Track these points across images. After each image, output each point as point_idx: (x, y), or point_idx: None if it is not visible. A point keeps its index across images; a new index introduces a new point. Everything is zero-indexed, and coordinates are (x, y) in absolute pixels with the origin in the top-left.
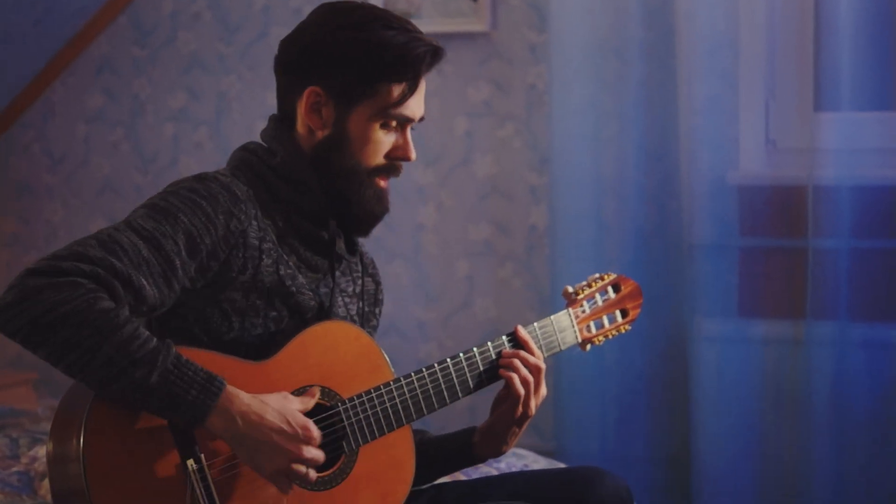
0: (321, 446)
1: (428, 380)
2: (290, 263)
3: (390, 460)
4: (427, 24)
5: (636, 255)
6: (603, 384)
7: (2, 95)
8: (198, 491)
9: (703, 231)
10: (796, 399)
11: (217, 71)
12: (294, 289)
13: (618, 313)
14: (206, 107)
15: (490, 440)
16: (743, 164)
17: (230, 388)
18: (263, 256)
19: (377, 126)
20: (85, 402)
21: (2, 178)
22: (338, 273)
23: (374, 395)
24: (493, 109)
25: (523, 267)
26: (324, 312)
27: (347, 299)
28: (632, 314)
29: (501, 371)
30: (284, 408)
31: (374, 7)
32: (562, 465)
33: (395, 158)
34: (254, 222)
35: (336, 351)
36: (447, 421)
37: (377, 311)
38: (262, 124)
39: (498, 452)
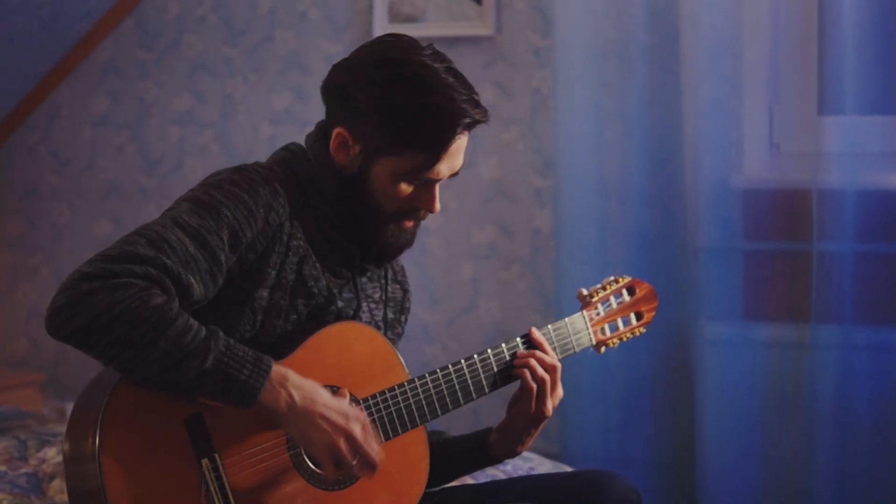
0: None
1: (442, 381)
2: (317, 265)
3: (405, 460)
4: (432, 28)
5: (640, 259)
6: (607, 387)
7: (8, 98)
8: (212, 489)
9: (707, 234)
10: (800, 402)
11: (222, 74)
12: (315, 290)
13: (632, 316)
14: (212, 110)
15: (506, 439)
16: (747, 168)
17: (279, 367)
18: (290, 253)
19: (401, 181)
20: (100, 402)
21: (8, 180)
22: (364, 279)
23: (388, 395)
24: (498, 113)
25: (528, 270)
26: (342, 318)
27: (373, 305)
28: (646, 317)
29: (517, 370)
30: (333, 395)
31: (426, 66)
32: (568, 468)
33: (418, 209)
34: (289, 219)
35: (351, 351)
36: (451, 422)
37: (403, 318)
38: (268, 128)
39: (513, 453)
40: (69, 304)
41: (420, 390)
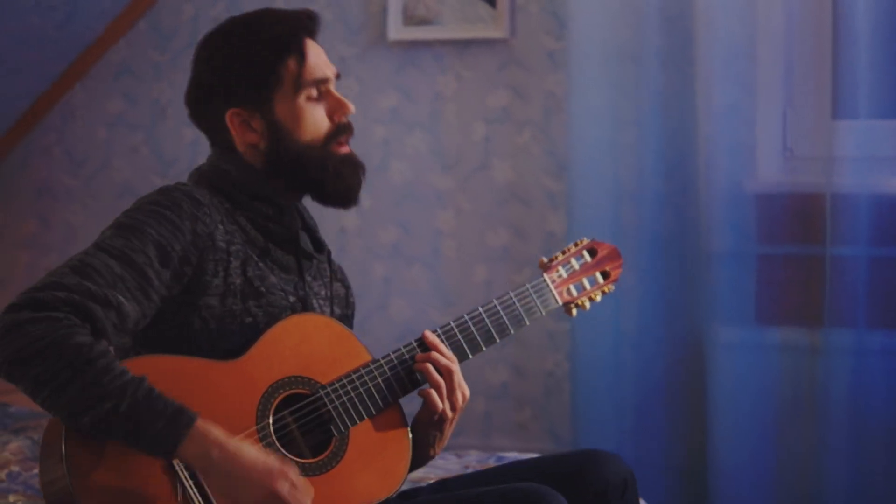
0: (312, 435)
1: (407, 355)
2: (260, 265)
3: (385, 439)
4: (446, 31)
5: (654, 262)
6: (620, 390)
7: (23, 98)
8: (189, 488)
9: (720, 238)
10: (813, 406)
11: None
12: (264, 289)
13: (598, 275)
14: None
15: (415, 446)
16: (760, 172)
17: (202, 422)
18: (231, 258)
19: (301, 104)
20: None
21: (23, 181)
22: (308, 277)
23: (353, 376)
24: (512, 116)
25: (541, 272)
26: (295, 311)
27: (322, 302)
28: (613, 274)
29: (417, 375)
30: (261, 449)
31: (227, 20)
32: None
33: (338, 120)
34: (220, 226)
35: (310, 341)
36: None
37: (349, 313)
38: None
39: (426, 456)
40: None
41: (386, 368)
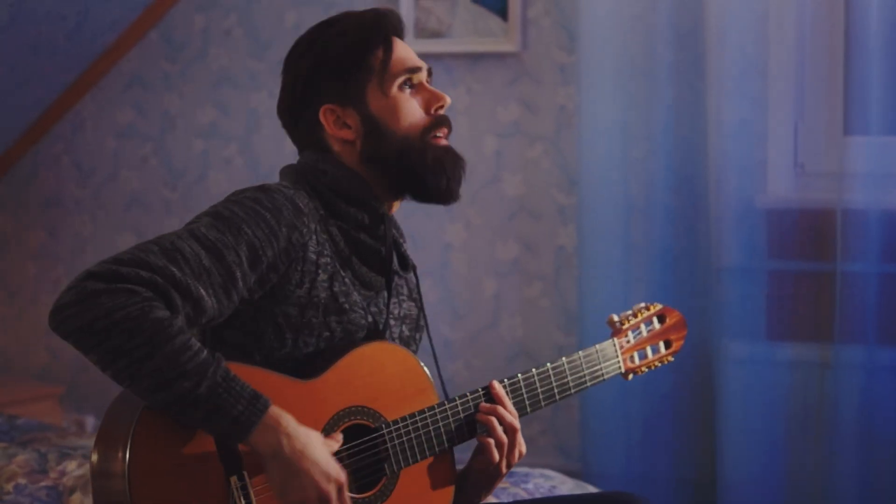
0: (364, 467)
1: (472, 404)
2: (346, 280)
3: (431, 484)
4: (457, 44)
5: (664, 277)
6: (629, 405)
7: (32, 108)
8: None
9: (731, 253)
10: (823, 422)
11: (247, 87)
12: (347, 306)
13: (661, 344)
14: (236, 123)
15: (464, 492)
16: (771, 188)
17: (275, 408)
18: (320, 272)
19: (395, 94)
20: (132, 416)
21: (31, 191)
22: (386, 294)
23: (417, 418)
24: (523, 129)
25: (551, 287)
26: (376, 332)
27: (394, 321)
28: (675, 346)
29: (479, 431)
30: (326, 448)
31: (313, 26)
32: (590, 487)
33: (434, 111)
34: (314, 236)
35: (383, 372)
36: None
37: (418, 336)
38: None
39: (476, 499)
40: (72, 302)
41: (449, 413)
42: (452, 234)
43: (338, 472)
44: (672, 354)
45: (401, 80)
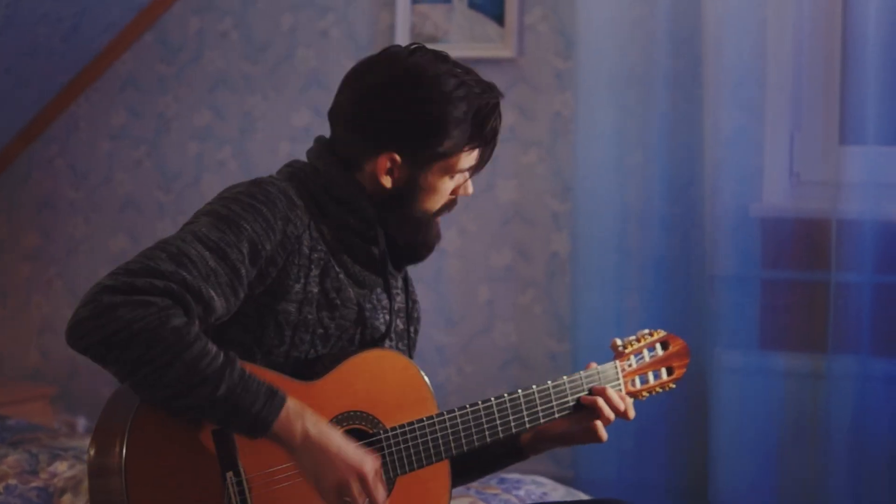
0: None
1: (470, 416)
2: (340, 276)
3: (425, 493)
4: (454, 49)
5: (657, 285)
6: None
7: (27, 110)
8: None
9: (725, 262)
10: (816, 432)
11: (242, 90)
12: (338, 301)
13: (663, 370)
14: (231, 126)
15: (541, 440)
16: (766, 197)
17: (292, 401)
18: (312, 266)
19: (445, 182)
20: (127, 414)
21: (25, 193)
22: (379, 290)
23: (416, 426)
24: (518, 135)
25: (544, 293)
26: (366, 327)
27: (388, 316)
28: (677, 373)
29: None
30: (347, 440)
31: (436, 67)
32: (581, 495)
33: (455, 195)
34: (307, 230)
35: (384, 380)
36: None
37: (411, 328)
38: (287, 145)
39: (539, 450)
40: (90, 317)
41: (448, 424)
42: (446, 240)
43: (369, 454)
44: (674, 381)
45: (458, 175)
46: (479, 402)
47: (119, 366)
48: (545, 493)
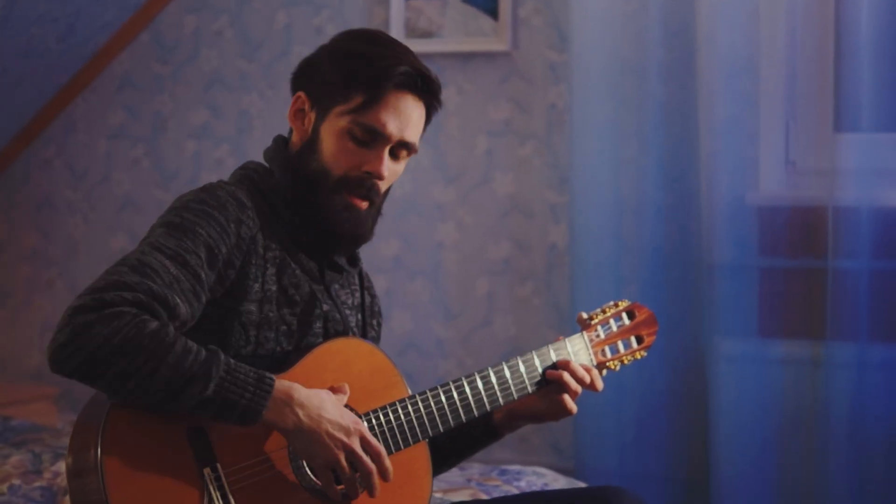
0: None
1: (443, 396)
2: (296, 272)
3: (406, 476)
4: (448, 44)
5: (655, 275)
6: (622, 403)
7: (24, 110)
8: (214, 498)
9: (722, 251)
10: (815, 419)
11: (239, 89)
12: (298, 297)
13: (633, 339)
14: (228, 124)
15: (514, 418)
16: (763, 185)
17: (281, 382)
18: (268, 265)
19: (348, 136)
20: (101, 413)
21: (23, 193)
22: (336, 286)
23: (389, 410)
24: (514, 128)
25: (543, 285)
26: (329, 321)
27: (348, 311)
28: (647, 341)
29: (558, 372)
30: (339, 402)
31: (381, 33)
32: (582, 484)
33: (366, 173)
34: (260, 231)
35: (351, 368)
36: None
37: (374, 322)
38: None
39: (513, 427)
40: (68, 341)
41: (421, 405)
42: (444, 234)
43: (355, 421)
44: (644, 349)
45: (357, 129)
46: (450, 382)
47: (106, 382)
48: (546, 484)
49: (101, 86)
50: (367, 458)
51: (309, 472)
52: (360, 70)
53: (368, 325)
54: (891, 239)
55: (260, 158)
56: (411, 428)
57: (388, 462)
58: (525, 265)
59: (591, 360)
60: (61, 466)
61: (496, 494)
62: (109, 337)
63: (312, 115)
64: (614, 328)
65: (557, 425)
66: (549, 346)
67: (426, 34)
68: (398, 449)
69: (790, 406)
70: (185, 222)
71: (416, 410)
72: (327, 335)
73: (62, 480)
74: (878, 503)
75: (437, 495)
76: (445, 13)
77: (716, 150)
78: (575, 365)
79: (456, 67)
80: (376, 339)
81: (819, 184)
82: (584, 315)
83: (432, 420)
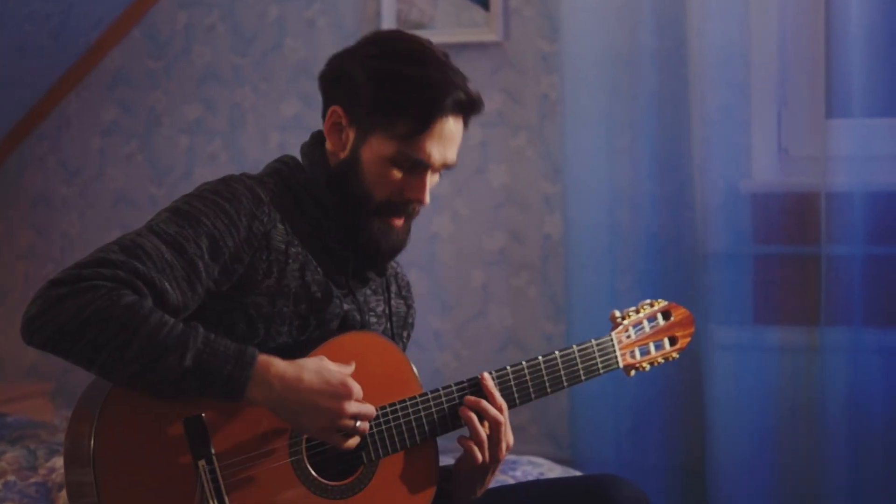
0: (342, 454)
1: (456, 395)
2: (318, 270)
3: (411, 475)
4: (440, 34)
5: (650, 264)
6: (618, 392)
7: (17, 107)
8: (208, 492)
9: (716, 239)
10: (811, 405)
11: (231, 83)
12: (320, 295)
13: (666, 341)
14: (221, 119)
15: (458, 487)
16: (756, 173)
17: (263, 357)
18: (290, 261)
19: (391, 164)
20: (98, 401)
21: (17, 190)
22: (368, 291)
23: (398, 407)
24: (507, 119)
25: (538, 276)
26: (348, 321)
27: (374, 319)
28: (681, 343)
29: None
30: (321, 367)
31: (421, 42)
32: (578, 474)
33: (408, 199)
34: (279, 225)
35: (365, 362)
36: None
37: (405, 334)
38: (277, 136)
39: (467, 499)
40: (39, 313)
41: (432, 404)
42: (439, 225)
43: (342, 382)
44: (678, 351)
45: (404, 162)
46: (465, 381)
47: (79, 355)
48: (542, 474)
49: (94, 82)
50: (352, 423)
51: (309, 466)
52: (406, 98)
53: (397, 336)
54: (884, 224)
55: (252, 152)
56: (420, 427)
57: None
58: (520, 256)
59: (619, 363)
60: (56, 463)
61: (492, 484)
62: (80, 309)
63: (351, 134)
64: (647, 329)
65: (553, 415)
66: (575, 346)
67: (418, 25)
68: (404, 447)
69: (786, 393)
70: (192, 210)
71: (427, 409)
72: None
73: (57, 477)
74: (876, 488)
75: None
76: (437, 4)
77: (708, 139)
78: (485, 405)
79: None
80: (403, 351)
81: (812, 170)
82: (618, 314)
83: (442, 419)
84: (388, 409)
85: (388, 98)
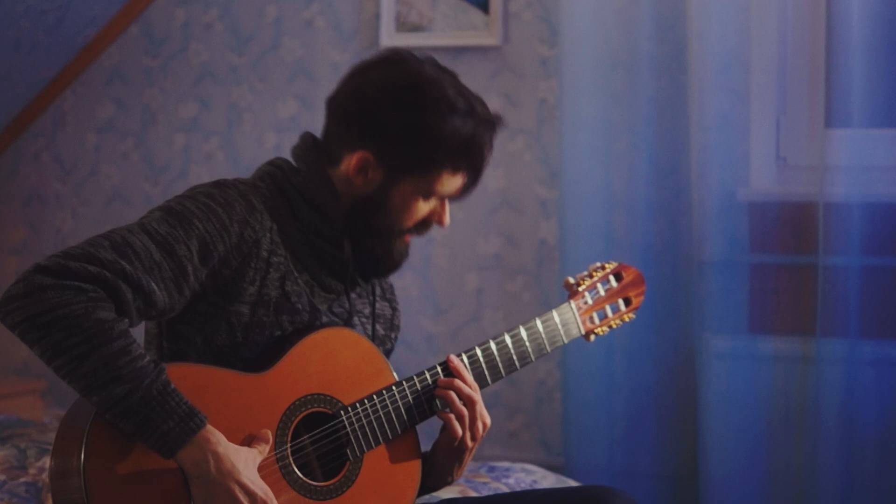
0: (327, 454)
1: (430, 380)
2: (300, 281)
3: (397, 465)
4: (438, 38)
5: (646, 271)
6: (611, 399)
7: (13, 104)
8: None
9: (713, 247)
10: (805, 416)
11: (228, 82)
12: (300, 306)
13: (620, 302)
14: (218, 117)
15: (433, 471)
16: (753, 181)
17: (209, 429)
18: (271, 270)
19: (420, 202)
20: (87, 416)
21: (12, 187)
22: (353, 294)
23: (375, 399)
24: (504, 123)
25: (533, 280)
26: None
27: (364, 320)
28: (635, 302)
29: (440, 407)
30: (255, 468)
31: (440, 79)
32: (572, 482)
33: (429, 222)
34: (268, 234)
35: (336, 357)
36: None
37: (392, 335)
38: (274, 136)
39: (443, 483)
40: (18, 295)
41: (408, 392)
42: (434, 229)
43: (265, 491)
44: (632, 311)
45: (435, 198)
46: (437, 365)
47: (40, 349)
48: (535, 481)
49: (90, 79)
50: None
51: (297, 470)
52: (442, 153)
53: (385, 337)
54: (881, 235)
55: (248, 151)
56: (398, 416)
57: None
58: (515, 260)
59: (581, 330)
60: (47, 462)
61: (485, 492)
62: (56, 307)
63: (379, 174)
64: (602, 292)
65: (547, 421)
66: (538, 319)
67: (417, 28)
68: (386, 439)
69: (780, 403)
70: (185, 211)
71: (403, 398)
72: None
73: (47, 476)
74: (869, 499)
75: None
76: (436, 7)
77: (707, 146)
78: (459, 383)
79: (446, 62)
80: (390, 351)
81: (810, 179)
82: (571, 280)
83: (419, 406)
84: (367, 402)
85: (426, 155)
